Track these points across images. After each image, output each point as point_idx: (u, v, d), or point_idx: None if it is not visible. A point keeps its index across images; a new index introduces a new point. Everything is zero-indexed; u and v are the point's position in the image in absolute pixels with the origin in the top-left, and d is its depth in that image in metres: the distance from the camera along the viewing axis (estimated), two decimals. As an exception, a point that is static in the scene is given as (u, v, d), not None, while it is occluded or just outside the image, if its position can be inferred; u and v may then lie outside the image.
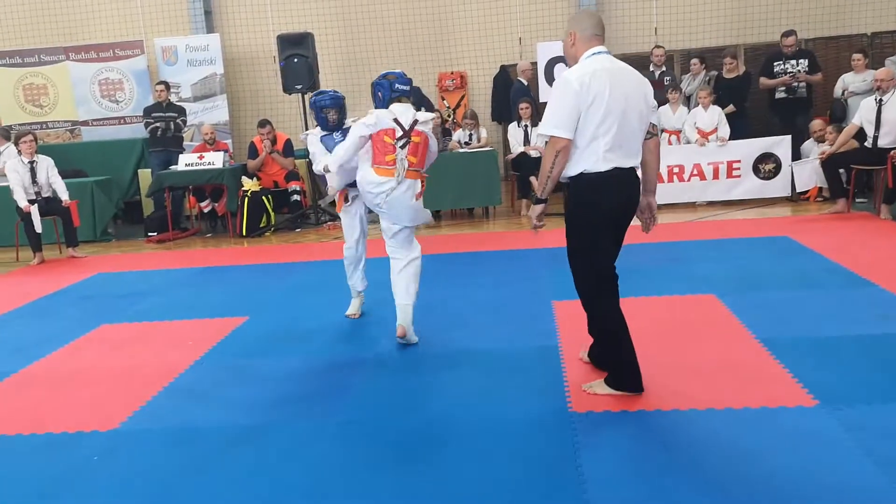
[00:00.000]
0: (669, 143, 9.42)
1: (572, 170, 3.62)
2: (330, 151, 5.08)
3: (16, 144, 8.77)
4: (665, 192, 9.21)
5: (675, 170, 9.18)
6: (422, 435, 3.56)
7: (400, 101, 4.82)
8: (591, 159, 3.57)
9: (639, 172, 3.79)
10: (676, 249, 7.00)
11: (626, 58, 4.11)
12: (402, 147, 4.72)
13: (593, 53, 3.64)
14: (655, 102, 3.85)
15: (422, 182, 4.85)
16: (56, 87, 12.17)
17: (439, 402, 3.94)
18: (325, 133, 5.32)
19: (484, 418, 3.69)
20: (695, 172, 9.17)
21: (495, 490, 3.02)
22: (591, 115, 3.51)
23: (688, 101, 10.07)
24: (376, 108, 4.83)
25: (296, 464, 3.35)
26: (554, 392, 3.92)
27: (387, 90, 4.81)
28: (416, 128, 4.76)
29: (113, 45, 12.10)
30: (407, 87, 4.85)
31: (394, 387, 4.19)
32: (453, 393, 4.03)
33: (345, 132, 5.14)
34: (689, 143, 9.28)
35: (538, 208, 3.79)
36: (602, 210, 3.64)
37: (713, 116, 9.30)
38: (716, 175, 9.15)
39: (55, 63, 12.07)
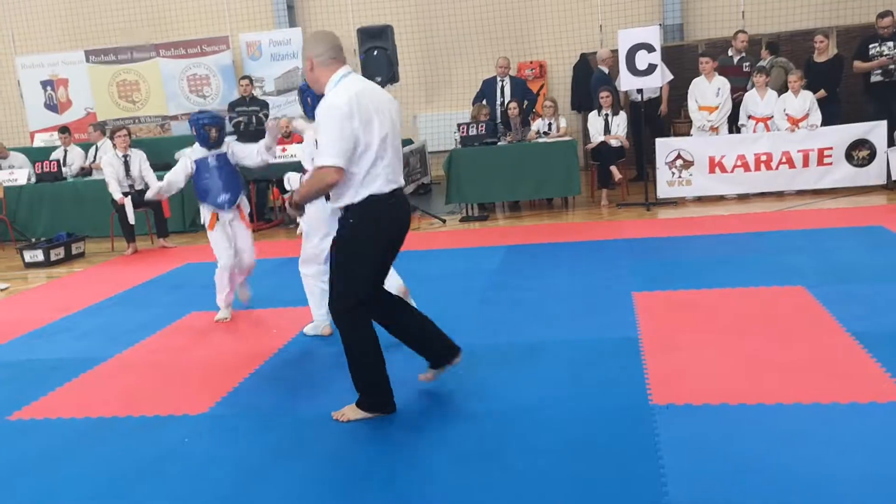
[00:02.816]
0: (755, 130, 9.13)
1: (359, 195, 3.49)
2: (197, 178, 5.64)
3: (111, 139, 9.14)
4: (752, 181, 8.96)
5: (763, 158, 8.88)
6: (498, 427, 3.57)
7: None
8: (377, 182, 3.49)
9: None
10: (764, 240, 6.80)
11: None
12: None
13: (343, 75, 3.53)
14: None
15: None
16: (148, 83, 12.61)
17: (516, 394, 3.93)
18: (200, 156, 5.62)
19: (563, 410, 3.68)
20: (783, 160, 8.85)
21: (574, 484, 3.00)
22: (370, 137, 3.43)
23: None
24: (305, 113, 4.76)
25: (369, 451, 3.41)
26: (634, 384, 3.87)
27: (316, 100, 4.01)
28: None
29: (200, 42, 12.47)
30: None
31: (471, 379, 4.21)
32: (532, 385, 4.03)
33: (220, 156, 5.64)
34: (778, 130, 8.97)
35: (297, 213, 3.77)
36: (387, 232, 3.60)
37: (804, 102, 8.96)
38: (805, 163, 8.81)
39: (147, 60, 12.51)
